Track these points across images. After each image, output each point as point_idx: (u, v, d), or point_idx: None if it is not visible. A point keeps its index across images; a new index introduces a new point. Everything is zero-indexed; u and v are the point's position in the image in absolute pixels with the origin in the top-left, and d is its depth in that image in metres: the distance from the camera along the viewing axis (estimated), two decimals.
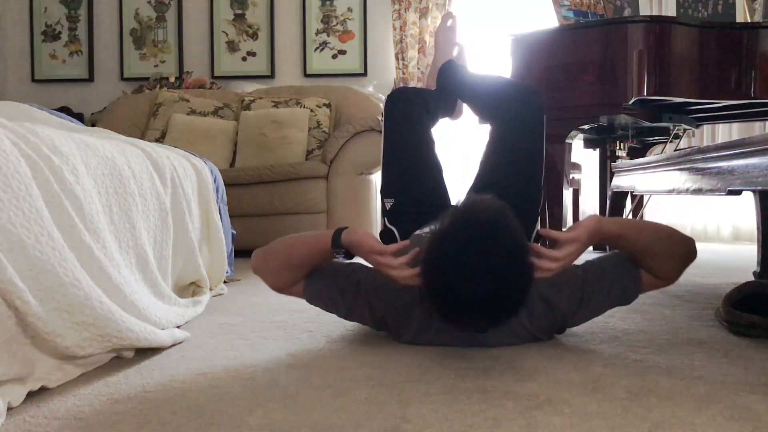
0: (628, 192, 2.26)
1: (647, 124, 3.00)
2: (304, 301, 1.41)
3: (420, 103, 1.76)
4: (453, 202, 1.21)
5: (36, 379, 1.01)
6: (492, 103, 1.77)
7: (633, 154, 3.56)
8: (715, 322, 1.54)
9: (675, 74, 2.63)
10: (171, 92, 4.07)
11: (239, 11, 4.82)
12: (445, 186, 1.73)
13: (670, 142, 3.34)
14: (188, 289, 1.89)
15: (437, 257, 1.13)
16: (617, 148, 3.48)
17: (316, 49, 4.78)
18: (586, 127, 2.97)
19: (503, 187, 1.49)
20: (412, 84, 4.53)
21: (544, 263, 1.19)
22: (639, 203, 3.91)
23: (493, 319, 1.17)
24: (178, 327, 1.45)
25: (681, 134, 3.37)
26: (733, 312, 1.44)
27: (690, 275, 2.49)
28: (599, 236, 1.26)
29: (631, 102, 2.63)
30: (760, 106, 2.87)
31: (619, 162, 2.95)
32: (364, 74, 4.72)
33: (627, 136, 3.29)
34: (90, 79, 4.87)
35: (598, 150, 3.75)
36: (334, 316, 1.38)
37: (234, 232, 2.37)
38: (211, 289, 1.97)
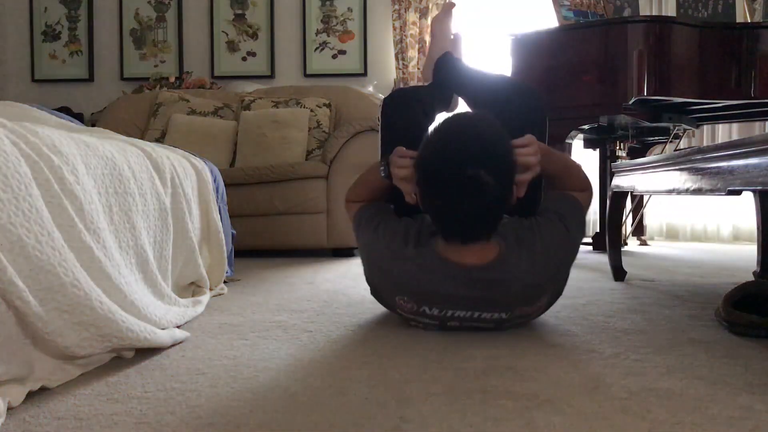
0: (628, 192, 2.26)
1: (647, 124, 3.00)
2: (303, 301, 1.41)
3: (417, 105, 1.76)
4: None
5: (36, 379, 1.01)
6: (492, 104, 1.77)
7: (633, 154, 3.56)
8: (715, 322, 1.54)
9: (675, 74, 2.63)
10: (171, 92, 4.07)
11: (239, 11, 4.82)
12: None
13: (670, 142, 3.34)
14: (188, 289, 1.89)
15: (427, 148, 1.33)
16: (617, 148, 3.48)
17: (316, 49, 4.78)
18: (586, 127, 2.97)
19: None
20: (412, 84, 4.53)
21: (522, 154, 1.36)
22: (639, 203, 3.92)
23: (481, 203, 1.25)
24: (178, 327, 1.45)
25: (681, 134, 3.37)
26: (733, 312, 1.44)
27: (690, 275, 2.50)
28: (537, 144, 1.44)
29: (631, 102, 2.63)
30: (760, 106, 2.87)
31: (619, 162, 2.95)
32: (364, 74, 4.72)
33: (627, 136, 3.29)
34: (90, 79, 4.88)
35: (598, 150, 3.75)
36: (334, 316, 1.38)
37: (234, 232, 2.37)
38: (211, 289, 1.97)
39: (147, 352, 1.26)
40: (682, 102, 2.76)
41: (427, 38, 4.53)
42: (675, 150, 2.89)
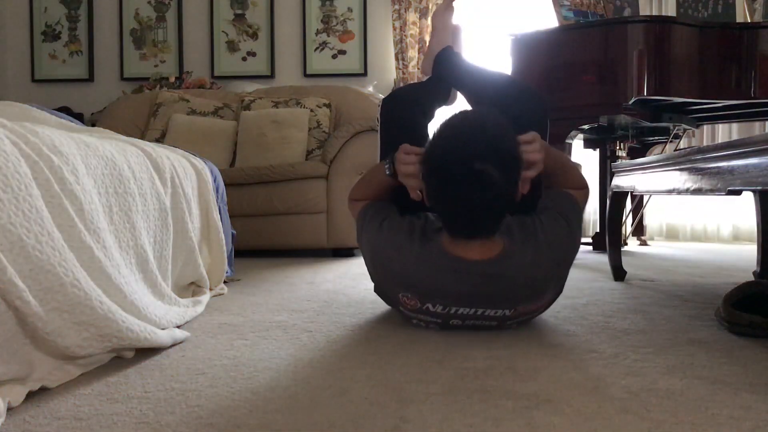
0: (628, 192, 2.26)
1: (647, 124, 3.00)
2: (303, 301, 1.41)
3: (415, 105, 1.76)
4: None
5: (36, 379, 1.01)
6: (493, 102, 1.77)
7: (633, 154, 3.56)
8: (715, 322, 1.54)
9: (675, 74, 2.63)
10: (171, 92, 4.07)
11: (239, 11, 4.82)
12: None
13: (670, 142, 3.34)
14: (188, 289, 1.89)
15: (433, 144, 1.32)
16: (617, 148, 3.48)
17: (316, 49, 4.78)
18: (586, 127, 2.97)
19: None
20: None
21: (528, 151, 1.36)
22: (639, 203, 3.92)
23: (488, 198, 1.25)
24: (178, 327, 1.45)
25: (681, 134, 3.37)
26: (733, 312, 1.44)
27: (690, 275, 2.50)
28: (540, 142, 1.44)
29: (631, 102, 2.63)
30: (760, 106, 2.87)
31: (619, 162, 2.95)
32: (364, 74, 4.72)
33: (627, 136, 3.30)
34: (90, 79, 4.88)
35: (598, 150, 3.75)
36: (334, 316, 1.38)
37: (234, 232, 2.37)
38: (211, 289, 1.97)
39: (147, 352, 1.26)
40: (682, 102, 2.76)
41: (428, 38, 4.53)
42: (675, 150, 2.89)
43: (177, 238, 1.71)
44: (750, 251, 2.86)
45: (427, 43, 4.46)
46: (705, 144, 4.07)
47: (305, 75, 4.78)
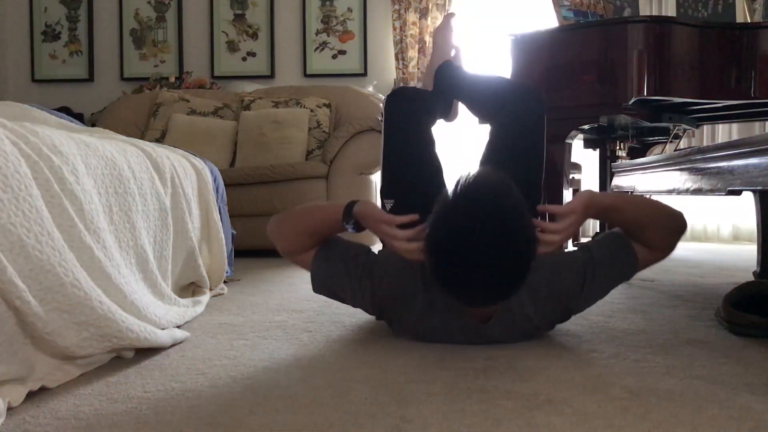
0: (628, 192, 2.26)
1: (647, 124, 3.00)
2: (303, 301, 1.41)
3: (420, 102, 1.76)
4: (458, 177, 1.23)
5: (36, 379, 1.01)
6: (491, 104, 1.77)
7: (633, 154, 3.55)
8: (715, 322, 1.54)
9: (675, 74, 2.63)
10: (171, 92, 4.07)
11: (239, 11, 4.82)
12: (445, 186, 1.73)
13: (670, 142, 3.34)
14: (188, 289, 1.89)
15: (441, 227, 1.14)
16: (617, 148, 3.48)
17: (316, 49, 4.77)
18: (586, 127, 2.97)
19: None
20: (412, 84, 4.53)
21: (546, 236, 1.23)
22: None
23: (496, 289, 1.16)
24: (178, 327, 1.45)
25: (681, 134, 3.37)
26: (733, 312, 1.44)
27: (690, 275, 2.50)
28: (593, 208, 1.31)
29: (631, 102, 2.63)
30: (760, 106, 2.87)
31: (619, 162, 2.95)
32: (364, 74, 4.72)
33: (627, 136, 3.29)
34: (90, 79, 4.87)
35: (598, 150, 3.75)
36: (333, 316, 1.38)
37: (234, 232, 2.37)
38: (211, 289, 1.97)
39: (147, 352, 1.26)
40: (682, 102, 2.76)
41: (427, 38, 4.53)
42: (675, 150, 2.89)
43: (177, 238, 1.71)
44: (750, 251, 2.85)
45: (428, 44, 4.48)
46: (705, 144, 4.07)
47: (305, 75, 4.78)
